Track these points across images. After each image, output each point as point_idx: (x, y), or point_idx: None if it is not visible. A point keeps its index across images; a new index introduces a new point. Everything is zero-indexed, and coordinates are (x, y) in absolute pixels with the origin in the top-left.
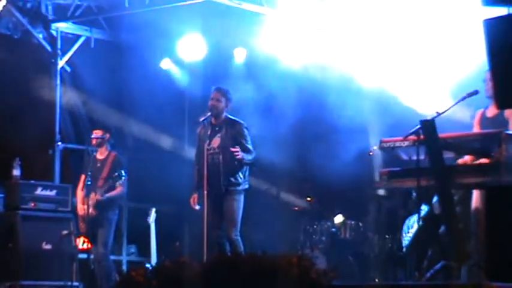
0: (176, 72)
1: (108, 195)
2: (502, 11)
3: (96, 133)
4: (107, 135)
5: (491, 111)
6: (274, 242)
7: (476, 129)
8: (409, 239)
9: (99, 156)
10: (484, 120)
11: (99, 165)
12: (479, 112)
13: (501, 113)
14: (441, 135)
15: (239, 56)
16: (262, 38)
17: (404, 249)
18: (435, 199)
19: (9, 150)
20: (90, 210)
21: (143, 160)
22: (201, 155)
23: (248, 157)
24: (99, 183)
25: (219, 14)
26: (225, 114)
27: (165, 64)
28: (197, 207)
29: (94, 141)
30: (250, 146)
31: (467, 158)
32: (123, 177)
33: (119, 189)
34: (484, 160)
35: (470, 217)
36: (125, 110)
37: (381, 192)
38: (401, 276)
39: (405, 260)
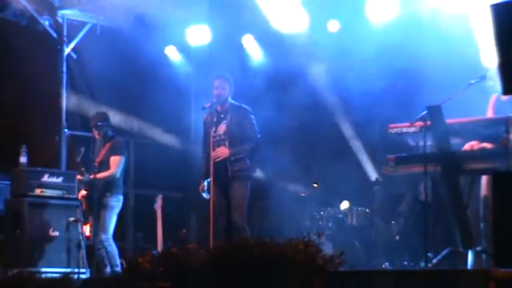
0: (182, 59)
1: (91, 176)
2: None
3: (96, 134)
4: (105, 124)
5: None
6: (281, 228)
7: (490, 113)
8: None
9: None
10: (498, 104)
11: (101, 150)
12: (494, 96)
13: None
14: (448, 120)
15: (247, 42)
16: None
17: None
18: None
19: (16, 137)
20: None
21: (149, 146)
22: (207, 142)
23: (245, 147)
24: (93, 165)
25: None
26: (230, 100)
27: (170, 51)
28: (206, 195)
29: (98, 137)
30: (254, 133)
31: (473, 143)
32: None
33: (106, 172)
34: (490, 145)
35: (476, 203)
36: (130, 96)
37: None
38: (408, 262)
39: (411, 246)
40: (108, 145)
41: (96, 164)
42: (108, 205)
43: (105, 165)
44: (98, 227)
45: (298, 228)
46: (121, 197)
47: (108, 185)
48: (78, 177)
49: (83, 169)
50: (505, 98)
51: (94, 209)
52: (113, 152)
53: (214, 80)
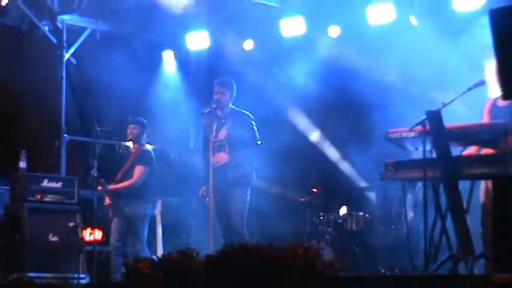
0: (179, 64)
1: (111, 186)
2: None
3: (132, 128)
4: (139, 129)
5: (503, 100)
6: (281, 234)
7: (486, 119)
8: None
9: (132, 150)
10: (495, 110)
11: (129, 157)
12: (489, 101)
13: None
14: (447, 125)
15: (248, 47)
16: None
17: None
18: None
19: (16, 142)
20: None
21: None
22: (207, 147)
23: (244, 153)
24: (118, 175)
25: (224, 5)
26: (230, 105)
27: (168, 56)
28: (206, 199)
29: (130, 136)
30: (254, 139)
31: (472, 149)
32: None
33: (126, 182)
34: (490, 151)
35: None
36: (130, 102)
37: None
38: (408, 267)
39: (411, 251)
40: (135, 153)
41: (119, 175)
42: (140, 215)
43: (130, 173)
44: (133, 238)
45: (298, 233)
46: (149, 205)
47: (134, 194)
48: (98, 188)
49: (102, 180)
50: (503, 103)
51: (116, 215)
52: (138, 161)
53: (215, 85)
